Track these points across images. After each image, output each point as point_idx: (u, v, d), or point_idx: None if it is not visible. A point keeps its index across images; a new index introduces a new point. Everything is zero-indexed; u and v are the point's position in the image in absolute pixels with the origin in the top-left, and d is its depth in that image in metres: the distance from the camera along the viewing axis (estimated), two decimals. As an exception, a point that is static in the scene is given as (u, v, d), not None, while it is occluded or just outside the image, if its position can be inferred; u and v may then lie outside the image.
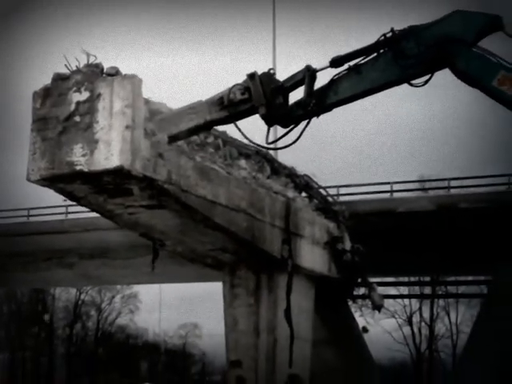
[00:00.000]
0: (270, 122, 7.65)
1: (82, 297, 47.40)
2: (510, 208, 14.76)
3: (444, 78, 7.38)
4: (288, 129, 7.75)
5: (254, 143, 8.04)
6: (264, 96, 7.44)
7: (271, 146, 8.37)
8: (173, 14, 68.39)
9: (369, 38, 7.45)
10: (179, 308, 56.02)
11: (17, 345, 44.24)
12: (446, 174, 18.36)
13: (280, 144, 8.14)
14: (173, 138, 8.22)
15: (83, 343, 48.83)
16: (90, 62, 7.94)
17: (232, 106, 7.63)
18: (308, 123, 7.67)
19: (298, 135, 7.70)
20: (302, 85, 7.57)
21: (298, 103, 7.65)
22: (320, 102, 7.54)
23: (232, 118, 7.79)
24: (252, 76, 7.54)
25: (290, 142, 7.77)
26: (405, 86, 7.62)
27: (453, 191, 16.89)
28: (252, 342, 11.01)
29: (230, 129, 9.13)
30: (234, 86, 7.63)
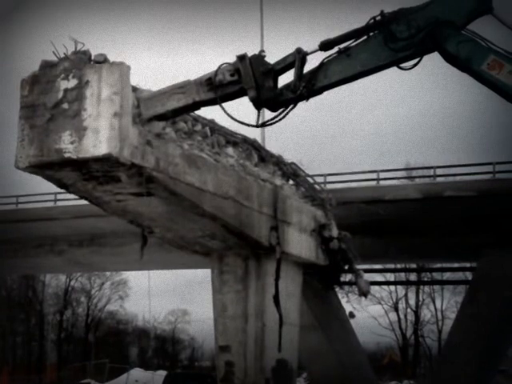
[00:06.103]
0: (259, 105, 7.50)
1: (72, 283, 47.52)
2: (494, 196, 15.00)
3: (433, 65, 7.35)
4: (277, 112, 7.64)
5: (240, 122, 7.82)
6: (254, 78, 7.30)
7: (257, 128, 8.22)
8: (173, 13, 67.47)
9: (360, 21, 7.38)
10: (168, 294, 56.20)
11: (7, 330, 44.31)
12: (432, 163, 18.57)
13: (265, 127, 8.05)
14: (159, 118, 8.14)
15: (73, 329, 48.99)
16: (77, 49, 7.93)
17: (221, 88, 7.47)
18: (294, 105, 7.53)
19: (282, 117, 7.59)
20: (292, 68, 7.45)
21: (287, 87, 7.51)
22: (310, 85, 7.42)
23: (220, 100, 7.60)
24: (242, 58, 7.37)
25: (274, 124, 7.67)
26: (394, 71, 7.59)
27: (439, 179, 17.11)
28: (241, 328, 11.14)
29: (217, 114, 9.03)
30: (223, 66, 7.43)
